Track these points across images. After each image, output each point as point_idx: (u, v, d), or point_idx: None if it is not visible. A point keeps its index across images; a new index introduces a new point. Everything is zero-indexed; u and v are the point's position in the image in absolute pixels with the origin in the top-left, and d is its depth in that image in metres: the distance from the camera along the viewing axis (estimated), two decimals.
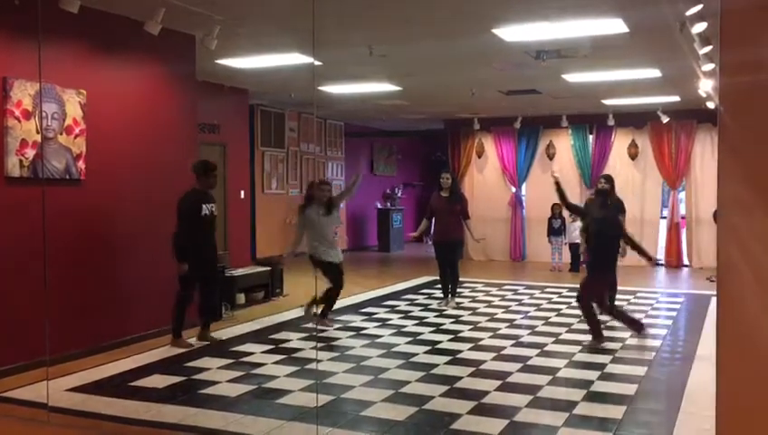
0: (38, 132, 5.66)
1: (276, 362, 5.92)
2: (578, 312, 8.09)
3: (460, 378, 5.41)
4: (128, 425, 4.43)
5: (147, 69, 6.82)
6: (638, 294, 9.43)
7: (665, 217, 13.24)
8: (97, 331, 6.16)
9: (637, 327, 6.66)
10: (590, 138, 13.46)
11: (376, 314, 7.99)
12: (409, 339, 6.79)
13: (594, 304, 6.54)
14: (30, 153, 5.60)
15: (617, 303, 8.16)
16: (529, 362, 5.89)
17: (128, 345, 6.32)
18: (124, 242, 6.46)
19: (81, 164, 6.05)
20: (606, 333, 7.01)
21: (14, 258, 5.47)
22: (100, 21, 6.11)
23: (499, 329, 7.20)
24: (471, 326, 7.33)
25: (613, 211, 7.75)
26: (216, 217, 6.62)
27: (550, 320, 7.77)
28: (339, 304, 7.63)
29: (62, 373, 5.37)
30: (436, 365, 5.82)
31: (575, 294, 7.51)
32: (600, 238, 6.55)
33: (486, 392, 5.04)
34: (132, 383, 5.30)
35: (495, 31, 6.62)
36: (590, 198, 9.02)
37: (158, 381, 5.36)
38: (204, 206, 6.41)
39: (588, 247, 7.36)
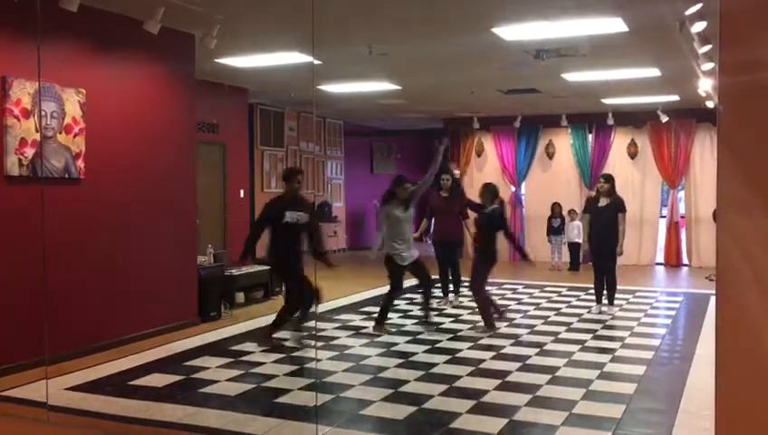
0: (37, 131, 5.66)
1: (275, 362, 5.92)
2: (578, 311, 8.13)
3: (459, 377, 5.41)
4: (127, 424, 4.43)
5: (146, 68, 6.81)
6: (637, 294, 9.43)
7: (664, 217, 13.25)
8: (96, 330, 6.16)
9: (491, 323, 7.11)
10: (590, 137, 13.46)
11: (375, 313, 7.98)
12: (409, 338, 6.79)
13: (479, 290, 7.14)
14: (29, 152, 5.60)
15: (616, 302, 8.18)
16: (528, 362, 5.90)
17: (127, 344, 6.32)
18: (123, 241, 6.46)
19: (80, 163, 6.05)
20: (605, 333, 7.03)
21: (13, 257, 5.47)
22: (100, 20, 6.11)
23: (498, 328, 7.20)
24: (470, 325, 7.34)
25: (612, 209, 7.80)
26: (304, 225, 6.40)
27: (549, 319, 7.78)
28: (337, 303, 7.64)
29: (61, 372, 5.37)
30: (436, 364, 5.82)
31: (575, 293, 7.55)
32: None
33: (486, 391, 5.04)
34: (131, 382, 5.30)
35: (495, 30, 6.62)
36: (589, 195, 9.07)
37: (158, 379, 5.36)
38: (287, 213, 6.25)
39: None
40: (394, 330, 7.05)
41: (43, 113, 5.70)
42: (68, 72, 5.94)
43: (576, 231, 12.21)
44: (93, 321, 6.13)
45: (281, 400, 4.90)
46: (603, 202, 7.88)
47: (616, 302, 8.18)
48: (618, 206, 7.89)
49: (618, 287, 8.21)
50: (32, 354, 5.37)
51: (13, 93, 5.46)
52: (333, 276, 7.62)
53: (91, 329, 6.11)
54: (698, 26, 5.43)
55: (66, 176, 5.94)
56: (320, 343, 6.56)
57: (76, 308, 5.94)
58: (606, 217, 7.78)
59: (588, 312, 8.01)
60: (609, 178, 8.08)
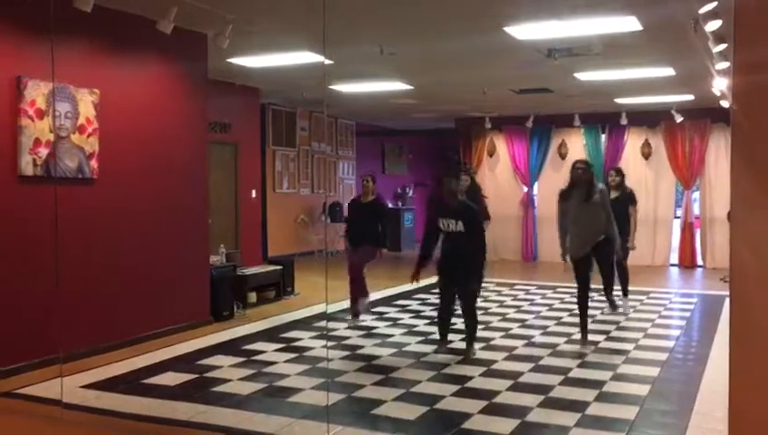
0: (51, 131, 5.70)
1: (288, 361, 5.93)
2: (591, 312, 8.05)
3: (471, 377, 5.40)
4: (140, 422, 4.45)
5: (159, 68, 6.85)
6: (651, 295, 9.37)
7: (678, 218, 13.16)
8: (109, 329, 6.19)
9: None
10: (603, 137, 13.38)
11: (387, 313, 7.98)
12: (420, 338, 6.79)
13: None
14: (43, 152, 5.64)
15: (629, 303, 8.13)
16: (541, 362, 5.87)
17: (140, 343, 6.36)
18: (136, 240, 6.50)
19: (93, 163, 6.09)
20: (618, 334, 6.98)
21: (27, 256, 5.51)
22: (113, 20, 6.15)
23: (511, 329, 7.18)
24: (482, 326, 7.30)
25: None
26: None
27: (562, 320, 7.74)
28: (348, 303, 7.63)
29: (75, 371, 5.41)
30: (448, 365, 5.81)
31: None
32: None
33: (498, 392, 5.02)
34: (145, 381, 5.33)
35: (507, 29, 6.60)
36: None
37: (171, 378, 5.39)
38: (441, 220, 6.00)
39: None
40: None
41: (57, 113, 5.74)
42: (82, 73, 5.98)
43: None
44: (107, 320, 6.17)
45: (292, 399, 4.91)
46: (614, 195, 7.83)
47: (630, 302, 8.13)
48: (628, 198, 7.88)
49: (631, 288, 8.16)
50: (46, 353, 5.41)
51: (27, 94, 5.50)
52: (344, 277, 7.63)
53: (105, 328, 6.15)
54: (713, 25, 5.39)
55: (80, 176, 5.98)
56: (331, 343, 6.56)
57: (90, 307, 5.98)
58: (617, 211, 7.73)
59: (601, 313, 7.96)
60: (620, 172, 8.12)
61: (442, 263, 6.15)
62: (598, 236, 6.40)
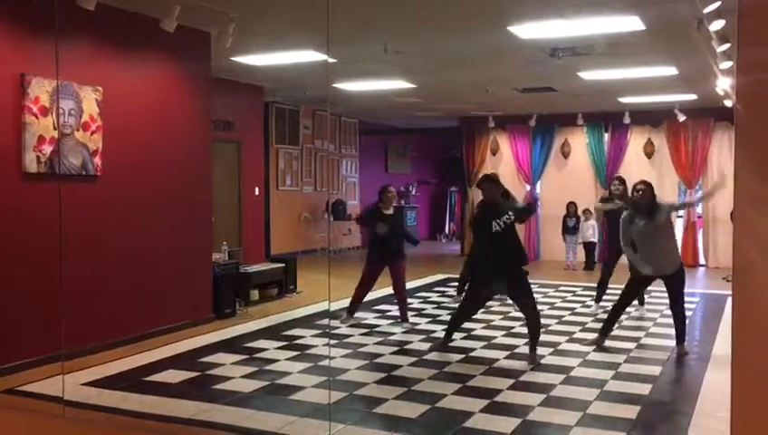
0: (55, 129, 5.72)
1: (289, 359, 5.93)
2: (591, 310, 8.07)
3: (473, 376, 5.40)
4: (142, 419, 4.46)
5: (162, 66, 6.86)
6: (653, 294, 9.34)
7: (681, 217, 13.14)
8: (112, 326, 6.21)
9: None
10: (606, 136, 13.37)
11: (389, 311, 7.98)
12: (423, 337, 6.79)
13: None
14: (47, 149, 5.65)
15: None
16: (542, 361, 5.87)
17: (142, 341, 6.37)
18: (139, 238, 6.51)
19: (97, 160, 6.10)
20: (620, 333, 6.98)
21: (30, 253, 5.53)
22: (117, 18, 6.16)
23: (512, 327, 7.18)
24: (484, 324, 7.32)
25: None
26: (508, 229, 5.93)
27: (563, 318, 7.74)
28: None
29: (77, 368, 5.42)
30: (449, 363, 5.82)
31: (590, 293, 7.48)
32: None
33: (499, 391, 5.03)
34: (147, 378, 5.34)
35: (511, 28, 6.60)
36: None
37: (173, 376, 5.40)
38: (494, 222, 5.85)
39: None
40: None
41: (60, 111, 5.75)
42: (85, 70, 5.99)
43: (591, 231, 12.16)
44: (109, 317, 6.18)
45: (294, 397, 4.91)
46: (619, 204, 7.82)
47: (634, 302, 8.12)
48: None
49: None
50: (48, 350, 5.42)
51: (31, 91, 5.51)
52: (346, 275, 7.64)
53: (107, 325, 6.16)
54: (716, 24, 5.38)
55: (83, 173, 6.00)
56: (333, 341, 6.57)
57: (92, 304, 5.99)
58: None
59: (603, 311, 7.95)
60: (623, 181, 8.13)
61: (490, 264, 5.98)
62: (673, 263, 6.18)
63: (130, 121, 6.45)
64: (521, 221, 6.31)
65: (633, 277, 6.37)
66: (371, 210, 7.53)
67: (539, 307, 8.35)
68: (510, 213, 5.88)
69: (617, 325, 6.82)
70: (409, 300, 8.68)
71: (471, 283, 6.65)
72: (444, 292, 9.42)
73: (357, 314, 7.62)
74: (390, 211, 7.49)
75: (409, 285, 9.98)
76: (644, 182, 6.26)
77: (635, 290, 6.52)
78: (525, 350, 6.24)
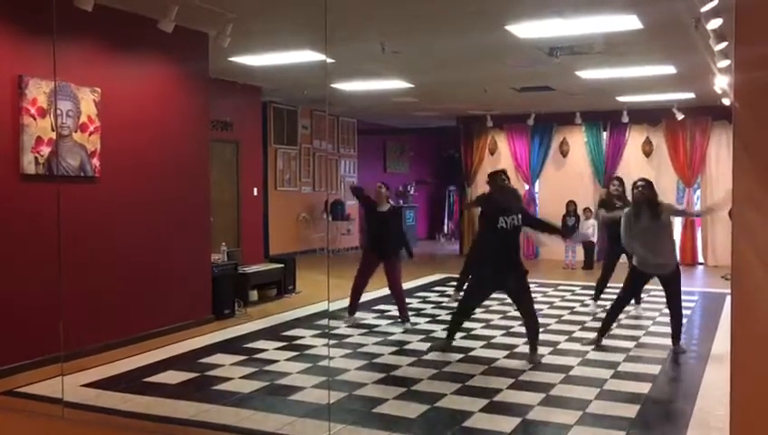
0: (53, 130, 5.71)
1: (289, 359, 5.93)
2: (590, 310, 8.07)
3: (472, 376, 5.40)
4: (141, 420, 4.46)
5: (160, 66, 6.85)
6: (652, 293, 9.34)
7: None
8: (111, 327, 6.20)
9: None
10: (604, 135, 13.38)
11: (388, 311, 7.98)
12: (422, 337, 6.79)
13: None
14: (45, 151, 5.65)
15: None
16: (542, 360, 5.87)
17: (141, 342, 6.36)
18: (138, 239, 6.50)
19: (95, 161, 6.09)
20: (619, 332, 6.98)
21: (29, 255, 5.52)
22: (114, 19, 6.15)
23: (511, 327, 7.18)
24: (483, 324, 7.32)
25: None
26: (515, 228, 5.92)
27: (563, 318, 7.75)
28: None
29: (76, 369, 5.42)
30: (449, 363, 5.81)
31: (589, 292, 7.47)
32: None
33: (499, 390, 5.03)
34: (146, 379, 5.33)
35: (508, 27, 6.60)
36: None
37: (172, 377, 5.40)
38: (501, 218, 5.85)
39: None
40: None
41: (58, 112, 5.75)
42: (83, 71, 5.98)
43: (590, 230, 12.15)
44: (108, 318, 6.18)
45: (294, 397, 4.91)
46: (618, 204, 7.83)
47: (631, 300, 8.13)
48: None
49: None
50: (48, 351, 5.41)
51: (29, 92, 5.51)
52: (345, 275, 7.64)
53: (106, 326, 6.16)
54: (714, 23, 5.38)
55: (81, 174, 5.99)
56: (332, 341, 6.57)
57: (91, 306, 5.99)
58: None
59: (602, 310, 7.96)
60: (622, 182, 8.14)
61: (492, 259, 6.02)
62: (671, 263, 6.21)
63: (128, 122, 6.45)
64: (538, 229, 6.39)
65: (632, 276, 6.38)
66: (368, 204, 7.50)
67: (538, 306, 8.40)
68: (519, 215, 5.88)
69: (615, 324, 6.83)
70: (408, 300, 8.67)
71: (471, 277, 6.65)
72: (443, 291, 9.42)
73: (356, 315, 7.62)
74: (384, 209, 7.42)
75: (408, 284, 9.99)
76: (643, 179, 6.30)
77: (633, 289, 6.53)
78: (525, 349, 6.23)
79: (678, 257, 12.65)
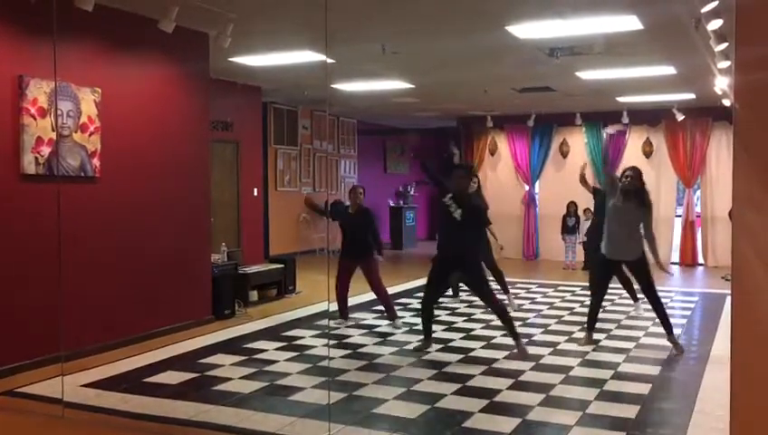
0: (53, 130, 5.71)
1: (289, 360, 5.93)
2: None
3: (472, 376, 5.40)
4: (141, 421, 4.46)
5: (161, 67, 6.85)
6: None
7: (680, 216, 13.16)
8: (111, 327, 6.20)
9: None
10: (604, 135, 13.37)
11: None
12: (421, 337, 6.78)
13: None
14: (45, 151, 5.65)
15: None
16: (541, 361, 5.87)
17: (141, 342, 6.36)
18: (138, 239, 6.50)
19: (95, 161, 6.10)
20: (619, 333, 6.98)
21: (29, 255, 5.52)
22: (115, 19, 6.15)
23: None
24: (483, 324, 7.32)
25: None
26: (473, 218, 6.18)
27: (563, 318, 7.74)
28: (350, 301, 7.62)
29: (76, 369, 5.42)
30: (449, 363, 5.81)
31: (589, 293, 7.43)
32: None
33: (499, 391, 5.03)
34: (146, 379, 5.33)
35: (509, 28, 6.60)
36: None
37: (172, 377, 5.40)
38: (456, 209, 6.08)
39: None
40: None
41: (59, 112, 5.75)
42: (83, 72, 5.98)
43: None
44: (108, 318, 6.18)
45: (294, 397, 4.91)
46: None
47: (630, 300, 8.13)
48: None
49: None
50: (47, 351, 5.42)
51: (29, 92, 5.51)
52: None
53: (107, 326, 6.16)
54: (714, 24, 5.38)
55: (82, 174, 5.99)
56: (332, 342, 6.57)
57: (91, 306, 5.99)
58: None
59: (602, 311, 7.95)
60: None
61: (446, 249, 6.24)
62: (636, 251, 6.26)
63: (129, 123, 6.45)
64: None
65: (601, 266, 6.46)
66: (339, 208, 7.58)
67: (538, 307, 8.41)
68: (473, 210, 6.10)
69: (615, 325, 6.83)
70: (408, 300, 8.70)
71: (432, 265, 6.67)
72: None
73: (356, 315, 7.63)
74: (353, 211, 7.39)
75: (407, 285, 10.02)
76: (633, 168, 6.43)
77: (601, 279, 6.55)
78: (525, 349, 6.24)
79: (678, 258, 12.82)
